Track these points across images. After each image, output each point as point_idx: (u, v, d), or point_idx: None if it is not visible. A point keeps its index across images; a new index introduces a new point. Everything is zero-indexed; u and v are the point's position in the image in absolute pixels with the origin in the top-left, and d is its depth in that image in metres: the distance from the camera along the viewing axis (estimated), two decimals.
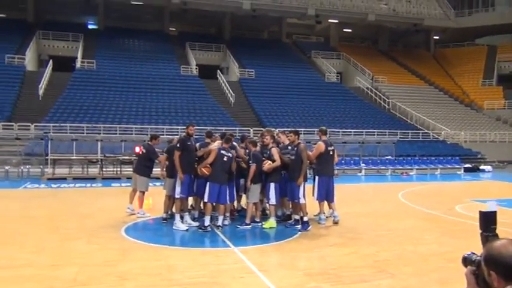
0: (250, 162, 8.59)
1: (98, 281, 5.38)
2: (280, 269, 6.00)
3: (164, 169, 9.48)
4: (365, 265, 6.20)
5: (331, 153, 9.02)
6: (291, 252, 6.93)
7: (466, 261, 1.96)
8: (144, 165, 9.97)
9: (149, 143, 10.13)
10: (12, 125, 23.25)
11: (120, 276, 5.51)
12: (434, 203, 12.27)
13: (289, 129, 10.50)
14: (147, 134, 23.42)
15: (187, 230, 8.23)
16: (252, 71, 35.42)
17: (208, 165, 8.25)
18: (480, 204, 12.02)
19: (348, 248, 7.21)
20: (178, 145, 8.41)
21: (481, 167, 25.29)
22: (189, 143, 8.53)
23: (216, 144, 8.72)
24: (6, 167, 18.55)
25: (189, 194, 8.64)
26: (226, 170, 8.36)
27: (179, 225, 8.30)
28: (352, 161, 23.07)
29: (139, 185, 9.79)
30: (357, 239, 7.85)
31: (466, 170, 23.91)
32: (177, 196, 8.37)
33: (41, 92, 27.38)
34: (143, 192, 9.80)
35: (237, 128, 25.74)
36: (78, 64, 32.02)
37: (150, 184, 10.34)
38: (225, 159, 8.30)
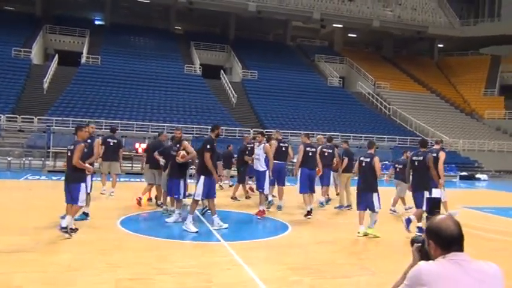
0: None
1: (90, 267, 5.65)
2: (266, 263, 6.27)
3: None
4: (348, 262, 6.46)
5: (310, 154, 10.23)
6: (279, 247, 7.20)
7: (413, 241, 2.32)
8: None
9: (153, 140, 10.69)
10: (16, 118, 23.59)
11: (111, 264, 5.78)
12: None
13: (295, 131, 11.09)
14: (147, 131, 23.76)
15: (197, 232, 8.01)
16: (255, 72, 35.70)
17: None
18: (471, 211, 12.29)
19: (335, 245, 7.47)
20: (208, 146, 8.26)
21: (477, 176, 25.50)
22: (215, 144, 8.54)
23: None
24: (9, 158, 18.86)
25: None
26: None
27: (190, 226, 8.08)
28: None
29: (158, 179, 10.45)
30: (345, 238, 8.11)
31: (462, 178, 24.12)
32: (197, 198, 8.23)
33: (45, 85, 27.73)
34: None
35: (237, 128, 26.04)
36: (83, 59, 32.38)
37: (138, 180, 10.79)
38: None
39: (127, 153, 19.15)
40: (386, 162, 24.30)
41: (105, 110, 26.62)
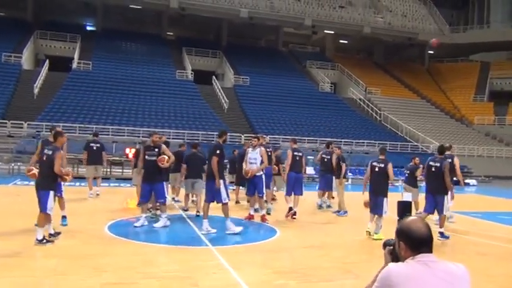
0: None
1: (76, 271, 5.65)
2: (252, 267, 6.29)
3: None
4: (333, 266, 6.51)
5: (297, 158, 10.78)
6: (265, 252, 7.23)
7: (385, 244, 2.36)
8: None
9: (193, 150, 10.89)
10: (6, 123, 23.48)
11: (97, 268, 5.79)
12: (412, 212, 12.57)
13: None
14: (138, 136, 23.73)
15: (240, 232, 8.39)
16: (247, 78, 35.82)
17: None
18: (459, 215, 12.39)
19: (321, 250, 7.51)
20: (218, 152, 8.38)
21: (466, 181, 25.63)
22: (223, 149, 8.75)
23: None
24: None
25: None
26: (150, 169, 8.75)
27: (233, 228, 8.38)
28: None
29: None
30: (331, 243, 8.17)
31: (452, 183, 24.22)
32: (225, 201, 8.42)
33: (36, 91, 27.64)
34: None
35: (229, 134, 26.04)
36: (74, 65, 32.34)
37: (128, 185, 10.74)
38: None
39: (117, 158, 19.12)
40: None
41: (95, 116, 26.57)
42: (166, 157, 8.64)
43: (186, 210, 10.93)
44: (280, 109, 32.73)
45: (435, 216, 9.23)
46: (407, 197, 8.31)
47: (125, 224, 9.20)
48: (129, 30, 40.37)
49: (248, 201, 12.65)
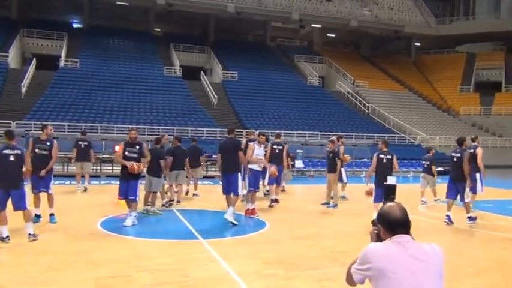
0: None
1: (70, 267, 5.80)
2: (242, 258, 6.49)
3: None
4: (321, 255, 6.74)
5: (277, 151, 11.86)
6: (256, 244, 7.44)
7: (374, 223, 2.64)
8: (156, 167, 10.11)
9: (156, 146, 10.43)
10: None
11: (91, 263, 5.95)
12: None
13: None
14: (128, 134, 23.75)
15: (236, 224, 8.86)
16: (236, 73, 35.91)
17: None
18: (444, 204, 12.71)
19: (309, 241, 7.74)
20: (242, 146, 9.65)
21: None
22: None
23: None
24: None
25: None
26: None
27: (233, 217, 8.87)
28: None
29: (154, 186, 10.03)
30: (319, 234, 8.40)
31: (439, 173, 24.49)
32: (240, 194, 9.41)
33: (23, 89, 27.49)
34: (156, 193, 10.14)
35: (218, 129, 26.22)
36: (61, 63, 32.16)
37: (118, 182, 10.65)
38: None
39: (107, 156, 19.18)
40: (365, 159, 24.78)
41: (84, 114, 26.52)
42: (136, 166, 8.44)
43: (172, 201, 11.29)
44: (269, 103, 32.89)
45: (459, 202, 9.92)
46: (391, 180, 8.78)
47: (116, 220, 9.34)
48: (116, 27, 40.16)
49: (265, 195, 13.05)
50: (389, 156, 9.66)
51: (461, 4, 51.77)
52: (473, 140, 11.44)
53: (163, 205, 10.84)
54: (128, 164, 8.42)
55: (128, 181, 8.59)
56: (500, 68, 44.31)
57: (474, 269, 6.28)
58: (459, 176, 9.48)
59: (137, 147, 8.74)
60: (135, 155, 8.64)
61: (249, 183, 9.95)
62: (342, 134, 28.50)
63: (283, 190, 14.24)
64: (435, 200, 12.90)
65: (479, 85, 43.75)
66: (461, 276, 5.71)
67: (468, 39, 46.70)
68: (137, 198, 8.68)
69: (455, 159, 9.65)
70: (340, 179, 12.85)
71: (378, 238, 2.55)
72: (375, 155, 9.78)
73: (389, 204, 2.55)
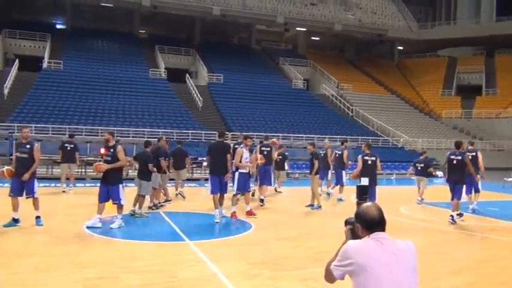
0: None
1: (58, 268, 5.86)
2: (228, 259, 6.61)
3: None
4: (305, 256, 6.90)
5: (265, 152, 12.28)
6: (242, 245, 7.57)
7: (346, 222, 2.80)
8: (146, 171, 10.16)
9: (146, 149, 10.51)
10: None
11: (78, 265, 6.01)
12: (381, 204, 13.06)
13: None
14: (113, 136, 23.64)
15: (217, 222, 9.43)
16: (221, 76, 36.00)
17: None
18: (427, 206, 13.00)
19: (295, 242, 7.90)
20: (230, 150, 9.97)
21: (437, 172, 26.51)
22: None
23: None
24: None
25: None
26: None
27: (219, 216, 9.51)
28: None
29: (143, 190, 10.04)
30: (305, 234, 8.58)
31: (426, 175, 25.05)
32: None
33: (6, 91, 27.18)
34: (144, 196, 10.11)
35: (203, 132, 26.26)
36: (45, 64, 31.85)
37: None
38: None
39: (92, 158, 19.10)
40: (350, 161, 25.03)
41: (68, 116, 26.30)
42: (104, 166, 8.41)
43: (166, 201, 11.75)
44: (254, 106, 33.05)
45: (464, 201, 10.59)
46: (364, 181, 9.21)
47: (103, 221, 9.37)
48: (100, 29, 39.89)
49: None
50: (374, 158, 10.22)
51: (442, 9, 52.74)
52: (471, 144, 12.07)
53: (149, 207, 10.85)
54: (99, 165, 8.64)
55: (106, 186, 8.54)
56: (480, 72, 45.20)
57: (453, 267, 6.50)
58: (459, 177, 9.84)
59: (111, 150, 8.56)
60: (109, 158, 8.50)
61: (237, 186, 10.00)
62: (326, 136, 29.01)
63: (279, 191, 15.06)
64: (420, 200, 13.31)
65: (461, 88, 44.55)
66: (439, 275, 5.92)
67: (449, 43, 47.59)
68: (121, 202, 8.61)
69: (455, 162, 9.91)
70: (340, 182, 13.73)
71: (353, 236, 2.72)
72: (360, 157, 10.21)
73: (366, 204, 2.77)
